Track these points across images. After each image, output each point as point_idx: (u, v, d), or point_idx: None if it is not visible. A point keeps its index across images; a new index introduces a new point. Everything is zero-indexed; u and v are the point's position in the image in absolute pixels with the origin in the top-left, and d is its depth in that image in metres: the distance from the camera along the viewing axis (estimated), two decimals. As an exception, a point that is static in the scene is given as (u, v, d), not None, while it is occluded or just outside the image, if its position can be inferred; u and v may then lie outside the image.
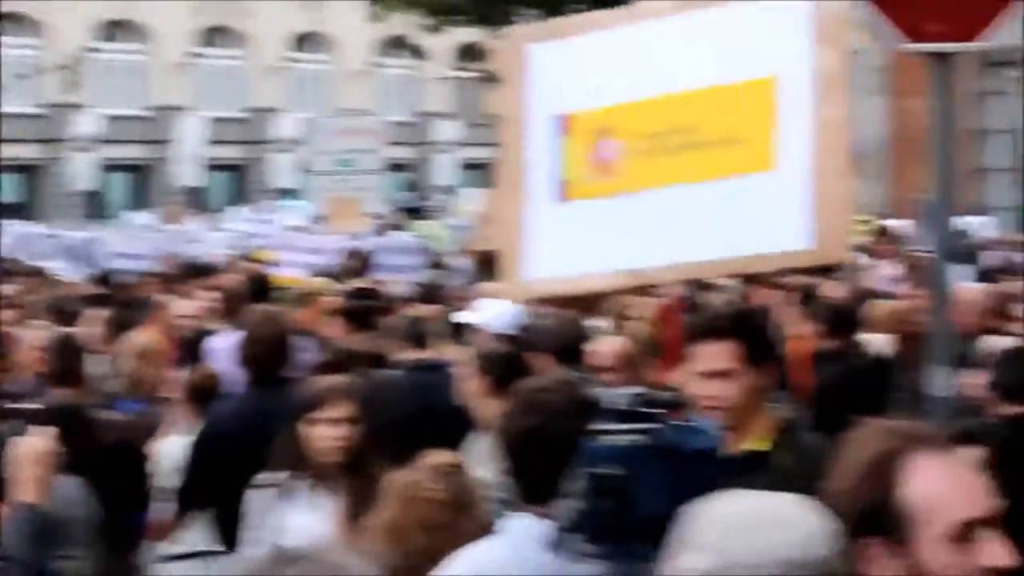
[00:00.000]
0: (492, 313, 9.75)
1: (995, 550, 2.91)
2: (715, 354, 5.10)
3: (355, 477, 6.19)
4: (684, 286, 10.15)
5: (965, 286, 9.83)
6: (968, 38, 6.54)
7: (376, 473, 6.08)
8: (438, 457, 5.12)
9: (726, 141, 5.99)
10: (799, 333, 9.90)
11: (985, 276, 13.37)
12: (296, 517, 6.16)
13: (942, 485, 2.95)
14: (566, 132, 6.43)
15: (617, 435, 3.80)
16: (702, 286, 11.54)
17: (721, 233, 5.96)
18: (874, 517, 2.97)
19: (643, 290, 9.94)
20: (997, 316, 9.23)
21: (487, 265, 13.73)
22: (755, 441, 5.11)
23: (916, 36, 6.46)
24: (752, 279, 11.44)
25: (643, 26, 6.33)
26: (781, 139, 5.85)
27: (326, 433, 6.26)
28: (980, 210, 24.93)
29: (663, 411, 3.86)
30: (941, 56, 6.53)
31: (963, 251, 16.70)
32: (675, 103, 6.14)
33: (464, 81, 51.87)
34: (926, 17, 6.47)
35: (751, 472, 4.87)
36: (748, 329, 5.20)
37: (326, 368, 8.31)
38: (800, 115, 5.79)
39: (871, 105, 23.26)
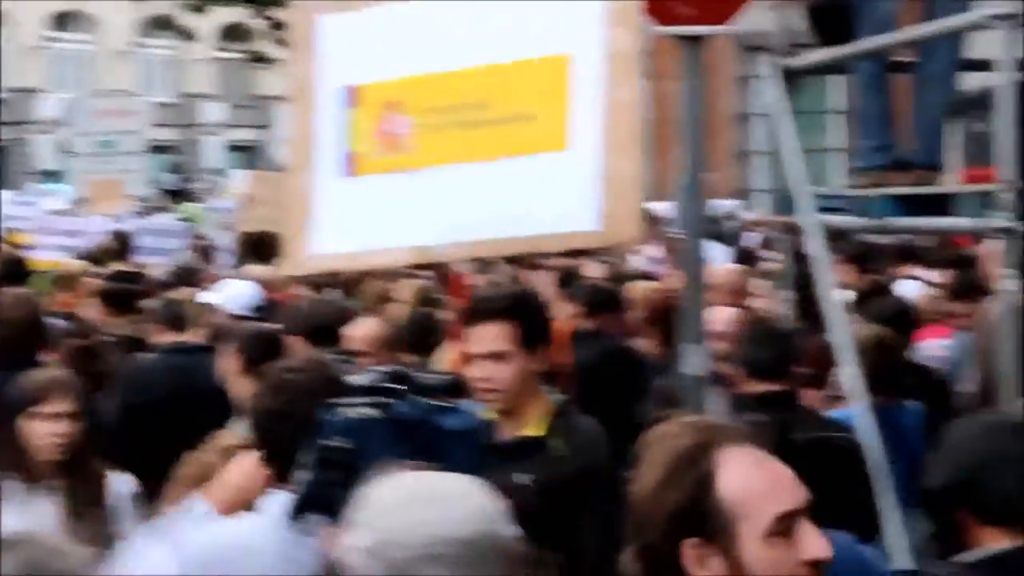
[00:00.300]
0: (230, 294, 9.72)
1: (813, 542, 2.84)
2: (490, 336, 5.06)
3: (75, 476, 5.82)
4: (472, 265, 10.16)
5: (719, 266, 10.00)
6: (718, 22, 6.64)
7: (98, 472, 5.93)
8: (228, 438, 5.07)
9: (519, 118, 5.95)
10: (559, 314, 9.98)
11: (744, 257, 13.61)
12: (9, 520, 5.46)
13: (756, 479, 2.87)
14: (354, 104, 6.35)
15: (350, 408, 3.78)
16: (483, 268, 11.57)
17: (511, 212, 5.93)
18: (689, 517, 2.86)
19: (416, 271, 9.97)
20: (742, 294, 9.39)
21: (252, 247, 13.61)
22: (532, 426, 5.09)
23: (667, 19, 6.55)
24: (515, 260, 11.51)
25: None
26: (574, 118, 5.83)
27: (45, 429, 5.81)
28: (742, 192, 25.40)
29: (405, 388, 3.85)
30: (692, 39, 6.63)
31: (722, 232, 17.00)
32: (467, 78, 6.08)
33: (229, 62, 51.33)
34: (679, 1, 6.56)
35: (526, 457, 4.92)
36: (524, 311, 5.16)
37: (79, 351, 8.15)
38: (593, 95, 5.79)
39: (635, 88, 23.51)
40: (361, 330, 7.44)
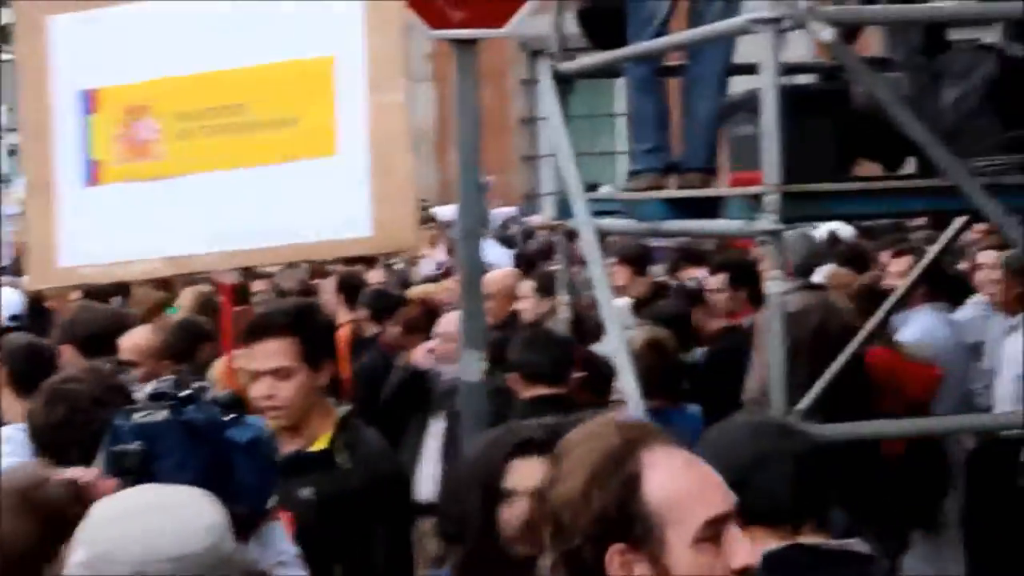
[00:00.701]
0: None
1: (742, 548, 2.72)
2: (271, 352, 4.99)
3: None
4: (237, 274, 10.01)
5: (498, 271, 9.99)
6: (492, 25, 6.62)
7: None
8: None
9: (281, 123, 5.82)
10: (339, 321, 9.92)
11: (528, 261, 13.64)
12: None
13: (685, 482, 2.73)
14: (94, 109, 6.12)
15: (141, 412, 3.71)
16: (255, 274, 11.43)
17: (279, 219, 5.81)
18: (615, 521, 2.71)
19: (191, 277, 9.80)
20: (513, 299, 9.40)
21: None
22: (317, 440, 5.03)
23: (439, 23, 6.51)
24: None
25: None
26: (341, 123, 5.73)
27: None
28: (531, 196, 25.53)
29: (190, 393, 3.77)
30: (465, 43, 6.61)
31: (509, 236, 17.09)
32: (222, 80, 5.90)
33: (7, 64, 50.26)
34: (450, 6, 6.52)
35: (311, 471, 4.88)
36: (306, 326, 5.09)
37: None
38: (358, 99, 5.70)
39: (419, 91, 23.55)
40: (130, 340, 7.28)
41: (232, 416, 3.81)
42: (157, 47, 5.99)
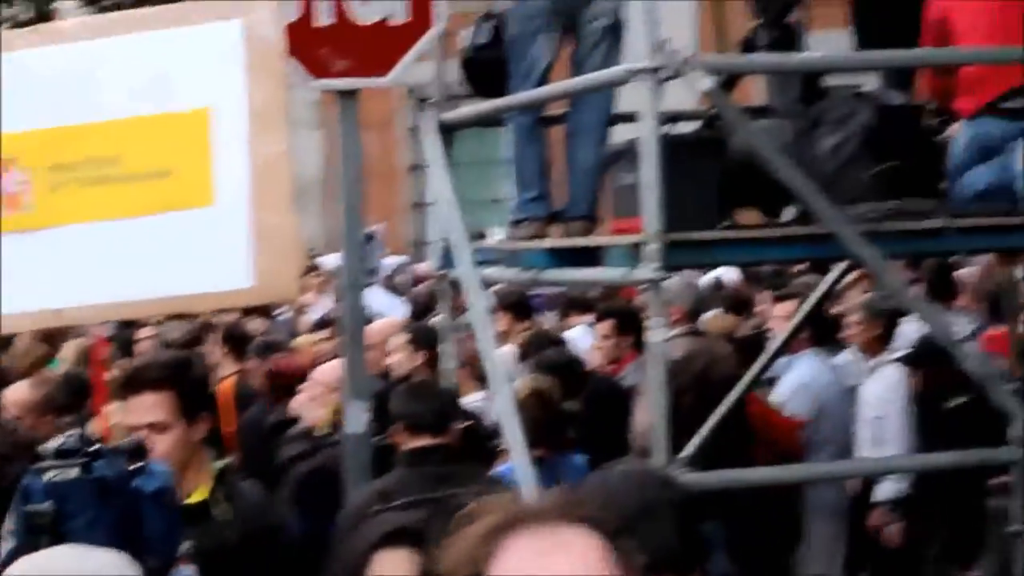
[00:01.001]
0: None
1: None
2: (147, 406, 4.97)
3: None
4: (113, 327, 9.88)
5: (379, 322, 9.92)
6: (376, 74, 6.62)
7: None
8: None
9: (156, 174, 5.74)
10: (224, 373, 9.84)
11: (423, 310, 13.58)
12: None
13: (525, 569, 2.50)
14: None
15: (51, 471, 3.65)
16: (134, 324, 11.31)
17: (154, 271, 5.73)
18: None
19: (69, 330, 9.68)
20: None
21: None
22: (195, 493, 4.99)
23: (321, 72, 6.50)
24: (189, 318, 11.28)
25: (59, 49, 5.98)
26: (218, 173, 5.68)
27: None
28: (420, 244, 25.49)
29: (97, 447, 3.71)
30: (349, 92, 6.60)
31: (394, 285, 17.03)
32: (95, 133, 5.83)
33: None
34: (332, 55, 6.51)
35: (190, 524, 4.78)
36: (181, 380, 5.07)
37: None
38: (237, 149, 5.65)
39: (307, 139, 23.44)
40: (11, 395, 7.18)
41: (137, 465, 3.76)
42: (28, 99, 5.89)
